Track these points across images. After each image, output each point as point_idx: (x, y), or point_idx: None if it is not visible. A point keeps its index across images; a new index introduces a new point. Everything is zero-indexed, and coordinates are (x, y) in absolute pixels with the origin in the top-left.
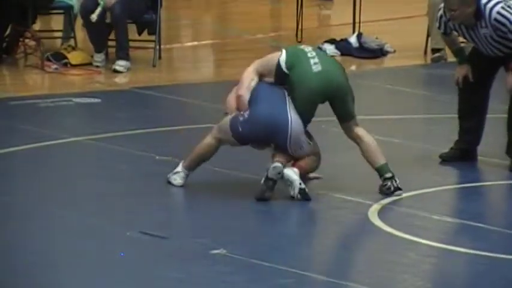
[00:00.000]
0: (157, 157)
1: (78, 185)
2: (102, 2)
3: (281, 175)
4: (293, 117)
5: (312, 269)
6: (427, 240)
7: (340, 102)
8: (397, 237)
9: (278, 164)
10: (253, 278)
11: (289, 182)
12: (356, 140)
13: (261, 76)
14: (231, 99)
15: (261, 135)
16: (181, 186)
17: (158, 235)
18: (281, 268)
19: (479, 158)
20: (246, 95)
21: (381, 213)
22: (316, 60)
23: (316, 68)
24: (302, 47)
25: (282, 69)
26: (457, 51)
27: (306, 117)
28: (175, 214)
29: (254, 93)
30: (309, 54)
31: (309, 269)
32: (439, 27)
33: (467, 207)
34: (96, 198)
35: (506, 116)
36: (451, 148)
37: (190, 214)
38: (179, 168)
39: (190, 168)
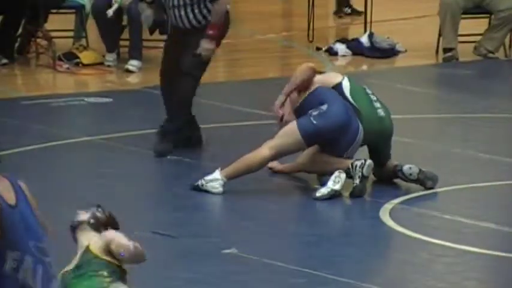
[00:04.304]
0: (168, 157)
1: (88, 185)
2: (119, 0)
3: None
4: (361, 129)
5: (324, 268)
6: (439, 240)
7: (383, 146)
8: (409, 237)
9: (369, 161)
10: (265, 278)
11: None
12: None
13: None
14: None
15: (333, 132)
16: (221, 194)
17: (169, 234)
18: (293, 268)
19: (489, 157)
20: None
21: (392, 213)
22: (379, 104)
23: (380, 113)
24: (363, 86)
25: (344, 93)
26: None
27: None
28: (186, 214)
29: (327, 92)
30: (371, 96)
31: (321, 268)
32: None
33: (478, 206)
34: (105, 198)
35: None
36: None
37: (200, 214)
38: (217, 174)
39: (230, 178)
